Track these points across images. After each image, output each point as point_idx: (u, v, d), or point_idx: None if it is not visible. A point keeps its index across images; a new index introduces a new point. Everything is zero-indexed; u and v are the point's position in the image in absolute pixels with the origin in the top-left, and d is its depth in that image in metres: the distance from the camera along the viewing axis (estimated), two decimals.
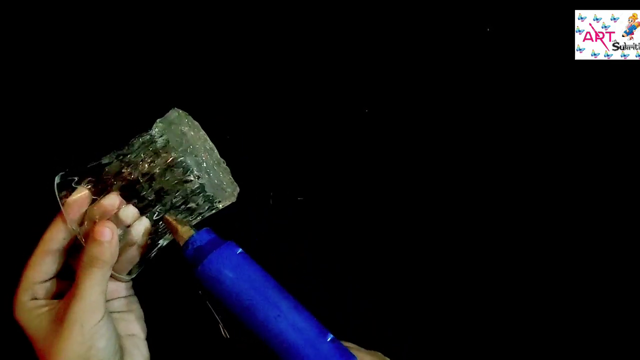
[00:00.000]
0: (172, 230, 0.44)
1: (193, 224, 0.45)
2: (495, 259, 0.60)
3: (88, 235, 0.40)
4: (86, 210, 0.41)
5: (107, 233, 0.39)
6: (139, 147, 0.43)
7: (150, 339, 0.46)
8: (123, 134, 0.45)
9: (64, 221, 0.41)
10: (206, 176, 0.43)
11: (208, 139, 0.47)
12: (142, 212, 0.43)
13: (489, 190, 0.61)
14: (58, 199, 0.41)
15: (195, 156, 0.43)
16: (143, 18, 0.63)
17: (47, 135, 0.60)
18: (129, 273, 0.45)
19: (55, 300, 0.41)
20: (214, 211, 0.46)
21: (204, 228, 0.44)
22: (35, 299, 0.41)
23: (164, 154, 0.42)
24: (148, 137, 0.43)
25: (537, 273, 0.59)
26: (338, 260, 0.59)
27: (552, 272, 0.59)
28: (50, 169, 0.44)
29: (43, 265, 0.41)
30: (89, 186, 0.42)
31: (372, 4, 0.64)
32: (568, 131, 0.62)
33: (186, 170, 0.42)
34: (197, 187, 0.43)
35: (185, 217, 0.45)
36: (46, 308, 0.40)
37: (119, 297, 0.45)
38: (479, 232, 0.60)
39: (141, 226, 0.43)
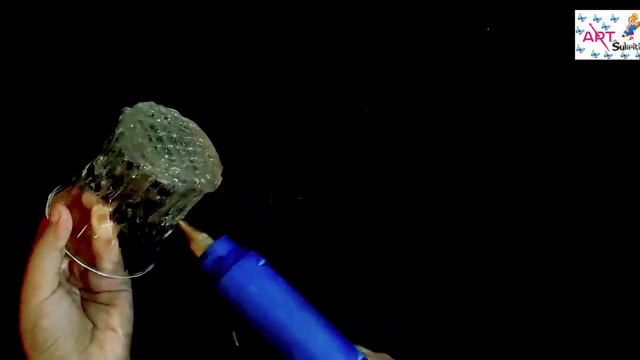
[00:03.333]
0: (187, 238, 0.42)
1: (179, 218, 0.44)
2: (498, 257, 0.59)
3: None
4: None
5: (55, 214, 0.41)
6: (106, 154, 0.43)
7: (149, 340, 0.46)
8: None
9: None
10: (163, 170, 0.41)
11: (178, 116, 0.45)
12: (116, 216, 0.42)
13: (489, 190, 0.61)
14: (48, 202, 0.43)
15: (154, 159, 0.41)
16: (143, 18, 0.63)
17: (42, 139, 0.60)
18: (126, 271, 0.45)
19: None
20: (190, 203, 0.44)
21: (223, 236, 0.42)
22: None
23: (118, 155, 0.41)
24: (112, 140, 0.43)
25: (538, 273, 0.59)
26: (339, 260, 0.59)
27: (552, 272, 0.59)
28: (43, 176, 0.45)
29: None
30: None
31: (372, 4, 0.64)
32: (568, 131, 0.62)
33: (136, 168, 0.40)
34: (154, 183, 0.41)
35: (170, 213, 0.43)
36: None
37: (108, 291, 0.45)
38: (479, 231, 0.60)
39: (95, 212, 0.42)
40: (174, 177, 0.41)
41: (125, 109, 0.43)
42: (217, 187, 0.44)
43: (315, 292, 0.48)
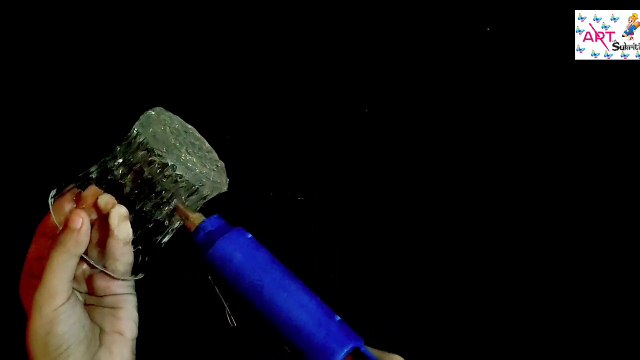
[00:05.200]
0: (183, 217, 0.44)
1: (175, 223, 0.46)
2: (498, 257, 0.59)
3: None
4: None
5: (77, 221, 0.40)
6: (119, 151, 0.44)
7: (150, 342, 0.46)
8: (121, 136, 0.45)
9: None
10: (186, 169, 0.43)
11: (194, 130, 0.47)
12: (130, 209, 0.43)
13: (488, 190, 0.61)
14: (53, 217, 0.42)
15: (173, 150, 0.43)
16: (143, 18, 0.63)
17: (42, 139, 0.60)
18: (131, 273, 0.45)
19: None
20: (202, 202, 0.46)
21: (215, 214, 0.45)
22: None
23: (142, 152, 0.43)
24: (127, 139, 0.44)
25: (538, 273, 0.59)
26: (339, 260, 0.59)
27: (552, 271, 0.59)
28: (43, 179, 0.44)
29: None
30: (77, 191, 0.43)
31: (372, 4, 0.64)
32: (568, 131, 0.62)
33: (163, 165, 0.42)
34: (177, 181, 0.43)
35: (173, 211, 0.45)
36: None
37: (113, 294, 0.44)
38: (479, 231, 0.60)
39: (116, 212, 0.42)
40: (198, 175, 0.43)
41: (149, 112, 0.45)
42: (222, 191, 0.46)
43: (315, 292, 0.48)
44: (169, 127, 0.45)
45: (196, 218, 0.44)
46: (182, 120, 0.48)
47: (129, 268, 0.44)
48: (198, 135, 0.48)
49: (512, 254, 0.60)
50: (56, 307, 0.40)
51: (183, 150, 0.44)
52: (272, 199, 0.59)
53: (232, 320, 0.44)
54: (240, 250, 0.42)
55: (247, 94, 0.63)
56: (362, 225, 0.60)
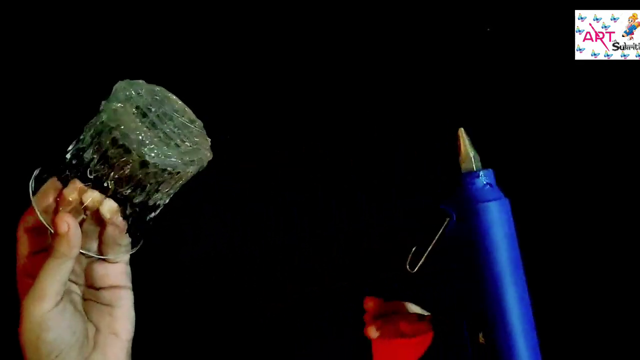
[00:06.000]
0: (459, 149, 0.42)
1: (165, 199, 0.45)
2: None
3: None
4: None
5: (63, 226, 0.39)
6: (90, 132, 0.42)
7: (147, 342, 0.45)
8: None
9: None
10: (152, 147, 0.41)
11: (172, 100, 0.45)
12: (107, 193, 0.41)
13: None
14: (35, 207, 0.41)
15: (135, 129, 0.41)
16: (143, 16, 0.63)
17: (42, 139, 0.59)
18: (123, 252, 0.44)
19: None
20: (182, 179, 0.43)
21: (490, 169, 0.42)
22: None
23: (105, 134, 0.40)
24: (97, 119, 0.42)
25: (538, 273, 0.59)
26: (339, 260, 0.59)
27: (552, 271, 0.59)
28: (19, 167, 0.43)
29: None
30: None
31: (372, 4, 0.64)
32: (568, 131, 0.62)
33: (123, 145, 0.40)
34: (142, 162, 0.41)
35: (150, 191, 0.43)
36: None
37: (112, 287, 0.44)
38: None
39: (106, 209, 0.41)
40: (166, 158, 0.41)
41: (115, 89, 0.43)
42: (205, 165, 0.44)
43: (315, 292, 0.48)
44: (136, 106, 0.43)
45: (475, 160, 0.41)
46: (148, 86, 0.45)
47: (125, 249, 0.44)
48: (169, 95, 0.45)
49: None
50: (44, 312, 0.39)
51: (156, 136, 0.42)
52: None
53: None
54: (509, 225, 0.40)
55: (246, 94, 0.63)
56: (362, 225, 0.60)
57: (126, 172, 0.41)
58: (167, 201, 0.44)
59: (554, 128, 0.62)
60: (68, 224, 0.39)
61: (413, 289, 0.40)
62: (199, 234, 0.47)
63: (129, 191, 0.42)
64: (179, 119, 0.45)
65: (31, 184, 0.42)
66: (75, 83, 0.62)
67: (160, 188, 0.43)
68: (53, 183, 0.41)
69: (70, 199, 0.41)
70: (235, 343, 0.54)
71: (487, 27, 0.64)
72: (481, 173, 0.41)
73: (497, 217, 0.40)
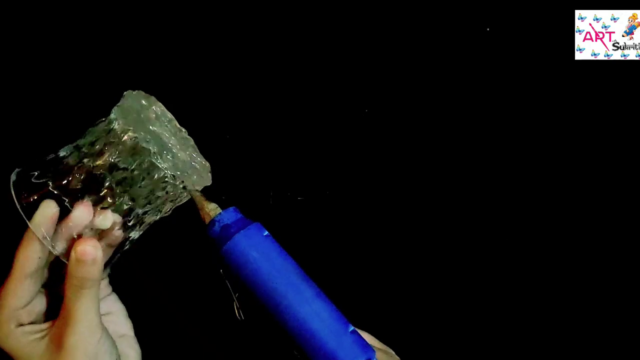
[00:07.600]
0: (198, 207, 0.43)
1: (168, 212, 0.44)
2: (497, 257, 0.59)
3: (69, 254, 0.37)
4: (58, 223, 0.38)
5: (91, 252, 0.37)
6: (97, 135, 0.40)
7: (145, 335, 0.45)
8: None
9: (36, 238, 0.37)
10: (171, 159, 0.40)
11: (173, 118, 0.44)
12: (110, 203, 0.40)
13: (488, 191, 0.61)
14: (16, 202, 0.38)
15: (159, 139, 0.40)
16: (143, 16, 0.63)
17: (42, 139, 0.59)
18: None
19: (45, 324, 0.39)
20: (186, 196, 0.43)
21: (232, 207, 0.43)
22: (21, 324, 0.38)
23: (125, 140, 0.39)
24: (106, 123, 0.40)
25: (538, 273, 0.59)
26: (338, 260, 0.59)
27: (552, 271, 0.59)
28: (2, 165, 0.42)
29: (23, 290, 0.38)
30: (49, 182, 0.39)
31: (372, 4, 0.64)
32: (568, 131, 0.62)
33: (149, 155, 0.39)
34: (163, 173, 0.40)
35: (157, 204, 0.42)
36: (37, 335, 0.38)
37: (100, 299, 0.42)
38: (479, 231, 0.60)
39: (108, 221, 0.39)
40: (177, 169, 0.41)
41: (124, 98, 0.42)
42: (199, 189, 0.43)
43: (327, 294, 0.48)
44: (151, 112, 0.42)
45: (212, 209, 0.42)
46: (160, 104, 0.43)
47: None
48: (176, 123, 0.44)
49: (512, 254, 0.60)
50: (97, 342, 0.38)
51: (168, 137, 0.41)
52: (272, 199, 0.59)
53: (240, 314, 0.43)
54: (256, 248, 0.40)
55: (246, 94, 0.63)
56: (362, 225, 0.60)
57: (138, 179, 0.40)
58: (156, 219, 0.44)
59: (553, 128, 0.62)
60: (95, 249, 0.37)
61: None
62: (197, 234, 0.47)
63: (129, 202, 0.41)
64: (180, 133, 0.45)
65: (13, 189, 0.39)
66: (59, 87, 0.62)
67: (157, 200, 0.42)
68: (48, 204, 0.38)
69: (82, 222, 0.38)
70: (235, 343, 0.54)
71: (487, 27, 0.64)
72: (216, 219, 0.42)
73: (244, 248, 0.41)
